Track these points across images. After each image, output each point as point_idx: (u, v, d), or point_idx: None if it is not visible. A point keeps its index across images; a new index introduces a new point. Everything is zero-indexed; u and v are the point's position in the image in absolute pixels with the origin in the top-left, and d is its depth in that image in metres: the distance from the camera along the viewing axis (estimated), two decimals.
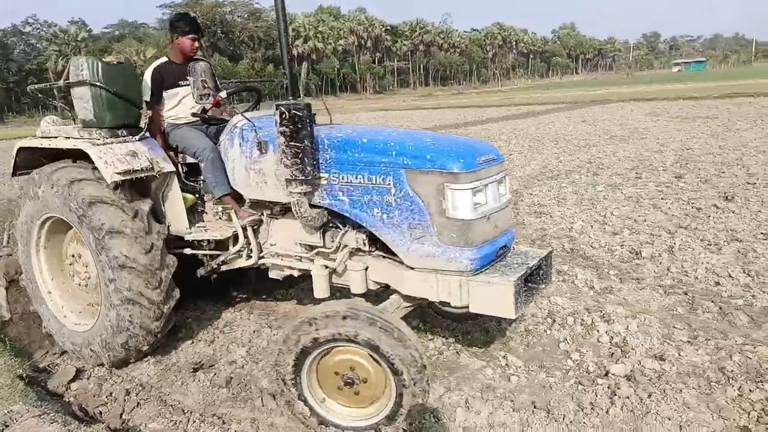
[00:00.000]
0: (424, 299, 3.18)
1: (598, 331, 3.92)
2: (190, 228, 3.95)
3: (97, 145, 3.62)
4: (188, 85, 4.03)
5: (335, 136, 3.21)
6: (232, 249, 3.87)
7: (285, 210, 3.66)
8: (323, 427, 2.96)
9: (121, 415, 3.41)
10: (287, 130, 2.94)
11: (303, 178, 3.04)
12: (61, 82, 3.76)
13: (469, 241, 2.87)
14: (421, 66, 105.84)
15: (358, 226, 3.28)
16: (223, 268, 4.02)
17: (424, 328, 4.22)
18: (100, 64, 3.62)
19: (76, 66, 3.62)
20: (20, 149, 4.02)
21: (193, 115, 4.09)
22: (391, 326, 2.67)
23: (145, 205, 3.68)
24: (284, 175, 3.09)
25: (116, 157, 3.61)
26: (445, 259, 2.88)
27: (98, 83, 3.59)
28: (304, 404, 2.96)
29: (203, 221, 4.09)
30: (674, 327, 3.93)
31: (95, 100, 3.64)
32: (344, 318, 2.72)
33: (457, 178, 2.82)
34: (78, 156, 3.73)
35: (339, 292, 3.53)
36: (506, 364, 3.58)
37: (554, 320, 4.16)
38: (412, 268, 3.02)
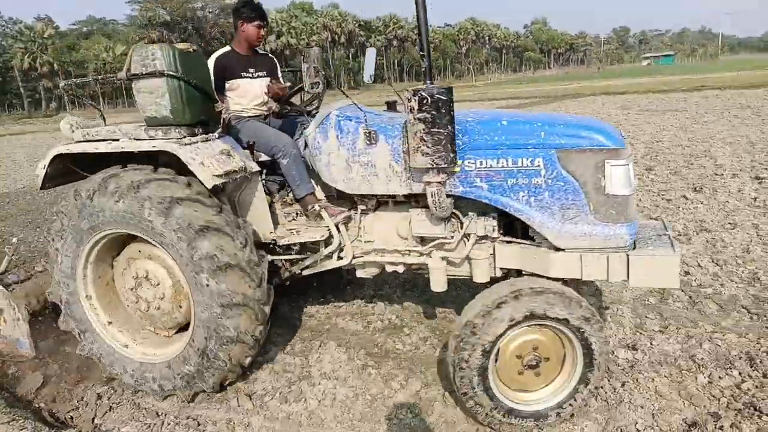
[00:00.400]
0: (574, 280, 3.04)
1: None
2: (275, 232, 3.64)
3: (185, 144, 3.17)
4: (251, 77, 3.95)
5: (467, 120, 3.07)
6: (325, 251, 3.57)
7: (378, 204, 3.52)
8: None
9: (93, 419, 3.33)
10: (429, 116, 2.79)
11: (445, 166, 2.89)
12: (122, 74, 3.20)
13: (628, 217, 2.88)
14: (396, 61, 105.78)
15: (484, 213, 3.22)
16: (306, 272, 3.70)
17: (401, 323, 4.22)
18: (177, 51, 3.15)
19: (143, 56, 3.13)
20: (55, 157, 3.42)
21: (273, 107, 3.90)
22: (579, 300, 2.73)
23: (228, 206, 3.37)
24: (422, 165, 2.90)
25: (212, 157, 3.19)
26: (604, 236, 2.87)
27: (177, 74, 3.13)
28: (497, 412, 2.84)
29: (278, 223, 3.75)
30: (646, 317, 4.00)
31: (173, 93, 3.16)
32: (537, 295, 2.72)
33: (617, 154, 2.82)
34: (138, 159, 3.29)
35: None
36: None
37: None
38: (559, 250, 2.97)
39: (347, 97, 3.47)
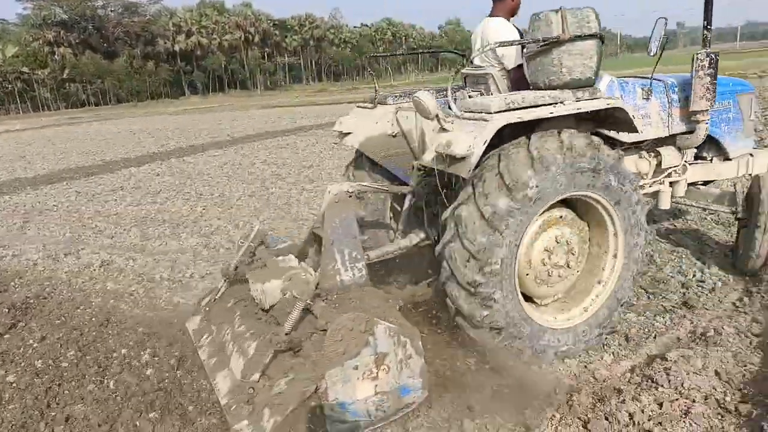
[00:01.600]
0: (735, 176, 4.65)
1: None
2: None
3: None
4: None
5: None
6: None
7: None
8: None
9: None
10: (713, 70, 3.86)
11: (715, 106, 4.03)
12: (564, 36, 3.17)
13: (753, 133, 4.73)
14: (313, 61, 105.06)
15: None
16: None
17: None
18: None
19: (579, 18, 3.21)
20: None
21: None
22: None
23: None
24: (705, 107, 3.93)
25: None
26: (748, 147, 4.58)
27: (603, 35, 3.30)
28: None
29: None
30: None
31: (599, 55, 3.30)
32: None
33: (755, 94, 4.69)
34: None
35: None
36: None
37: None
38: (727, 160, 4.45)
39: (655, 75, 4.09)
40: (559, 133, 3.13)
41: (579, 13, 3.25)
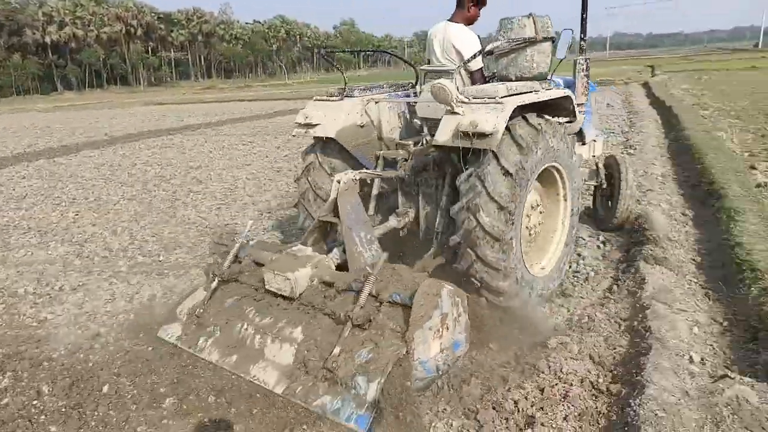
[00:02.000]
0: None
1: None
2: None
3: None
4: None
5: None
6: None
7: None
8: None
9: None
10: (588, 73, 4.81)
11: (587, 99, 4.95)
12: (539, 37, 3.87)
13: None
14: (202, 57, 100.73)
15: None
16: None
17: None
18: None
19: (543, 23, 3.91)
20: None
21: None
22: None
23: None
24: (583, 100, 4.79)
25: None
26: (595, 134, 5.52)
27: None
28: None
29: None
30: None
31: (551, 54, 3.97)
32: None
33: (597, 93, 5.88)
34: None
35: None
36: None
37: None
38: (584, 144, 5.33)
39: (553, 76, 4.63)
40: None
41: (541, 20, 3.96)
